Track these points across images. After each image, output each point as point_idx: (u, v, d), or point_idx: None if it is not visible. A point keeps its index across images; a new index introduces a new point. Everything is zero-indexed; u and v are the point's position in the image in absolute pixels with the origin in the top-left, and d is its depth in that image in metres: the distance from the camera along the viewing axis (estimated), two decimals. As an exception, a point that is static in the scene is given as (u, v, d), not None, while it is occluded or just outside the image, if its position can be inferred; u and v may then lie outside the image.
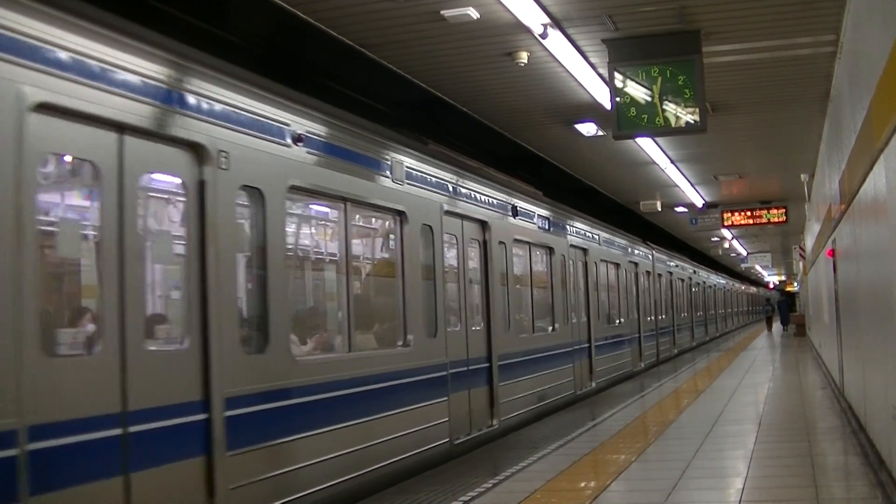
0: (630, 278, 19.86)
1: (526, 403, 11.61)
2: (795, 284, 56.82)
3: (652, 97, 9.58)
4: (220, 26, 9.40)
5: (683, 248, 34.86)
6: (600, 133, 13.54)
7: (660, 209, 21.92)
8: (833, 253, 12.24)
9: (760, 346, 30.51)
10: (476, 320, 10.36)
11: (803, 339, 31.60)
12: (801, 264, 32.05)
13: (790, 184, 20.22)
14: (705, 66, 9.49)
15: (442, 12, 8.47)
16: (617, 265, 18.44)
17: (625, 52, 9.56)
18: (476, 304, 10.50)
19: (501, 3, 8.30)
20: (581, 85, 11.05)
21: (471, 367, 9.86)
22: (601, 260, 16.87)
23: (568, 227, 14.69)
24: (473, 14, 8.50)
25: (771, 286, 79.94)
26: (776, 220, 23.06)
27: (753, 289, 72.48)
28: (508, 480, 7.78)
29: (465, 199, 10.06)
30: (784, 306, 45.99)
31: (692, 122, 9.60)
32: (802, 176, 18.82)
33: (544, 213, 13.38)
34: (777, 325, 45.66)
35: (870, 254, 7.24)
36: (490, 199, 11.00)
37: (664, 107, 9.60)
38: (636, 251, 20.92)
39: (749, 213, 23.00)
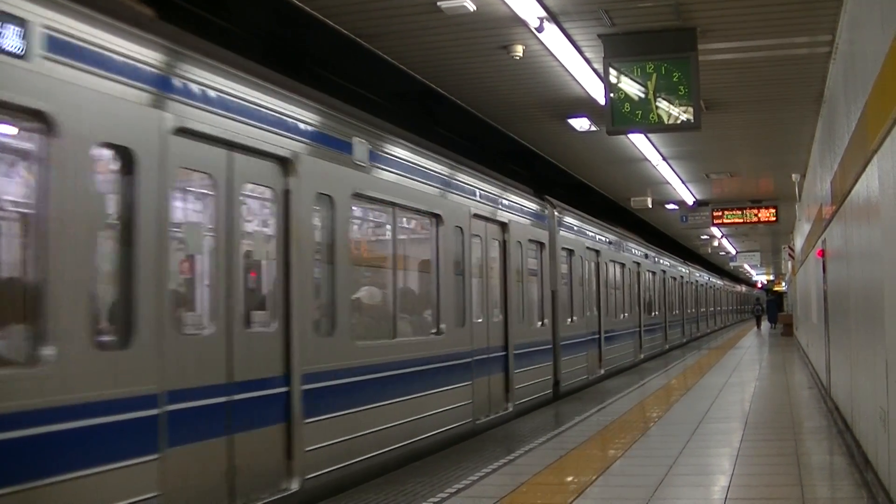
0: (502, 256, 11.88)
1: None
2: (783, 284, 57.05)
3: (646, 94, 9.58)
4: (217, 15, 9.34)
5: (673, 245, 34.96)
6: (593, 128, 13.54)
7: (650, 206, 21.97)
8: (823, 253, 12.27)
9: (748, 345, 30.62)
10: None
11: (790, 339, 31.74)
12: (789, 264, 32.15)
13: (781, 183, 20.27)
14: (700, 63, 9.49)
15: (438, 3, 8.43)
16: (458, 230, 10.21)
17: (620, 48, 9.55)
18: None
19: (498, -4, 8.28)
20: (575, 79, 11.04)
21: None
22: (404, 206, 8.95)
23: (291, 119, 6.82)
24: (470, 6, 8.47)
25: (759, 286, 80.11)
26: (766, 219, 23.13)
27: (739, 287, 71.19)
28: (494, 474, 7.78)
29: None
30: (772, 305, 46.69)
31: (686, 119, 9.60)
32: (794, 176, 18.87)
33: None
34: (765, 323, 46.33)
35: (860, 255, 7.26)
36: None
37: (658, 103, 9.59)
38: (517, 204, 12.56)
39: (739, 212, 23.08)
